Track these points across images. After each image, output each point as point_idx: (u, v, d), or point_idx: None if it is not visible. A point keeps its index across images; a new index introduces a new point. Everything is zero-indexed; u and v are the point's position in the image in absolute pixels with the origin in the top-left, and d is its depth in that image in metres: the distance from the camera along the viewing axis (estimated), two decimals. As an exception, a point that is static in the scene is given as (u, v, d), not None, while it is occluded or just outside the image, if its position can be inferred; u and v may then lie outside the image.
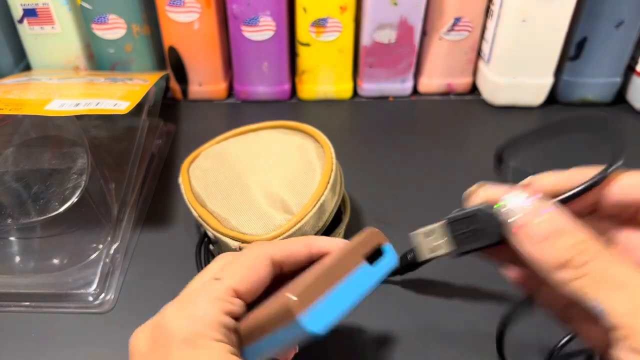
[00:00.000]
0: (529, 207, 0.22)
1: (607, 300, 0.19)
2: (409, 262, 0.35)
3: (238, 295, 0.24)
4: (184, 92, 0.59)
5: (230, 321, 0.24)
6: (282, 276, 0.27)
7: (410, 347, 0.34)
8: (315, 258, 0.27)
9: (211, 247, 0.38)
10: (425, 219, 0.27)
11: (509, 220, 0.22)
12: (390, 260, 0.25)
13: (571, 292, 0.20)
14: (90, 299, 0.37)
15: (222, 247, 0.36)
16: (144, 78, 0.51)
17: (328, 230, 0.37)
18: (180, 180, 0.40)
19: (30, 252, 0.40)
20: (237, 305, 0.24)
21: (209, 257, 0.39)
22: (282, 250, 0.27)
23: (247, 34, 0.54)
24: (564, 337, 0.32)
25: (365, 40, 0.56)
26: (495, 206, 0.23)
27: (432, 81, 0.60)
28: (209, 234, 0.36)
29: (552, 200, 0.23)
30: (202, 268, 0.31)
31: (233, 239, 0.35)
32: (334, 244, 0.28)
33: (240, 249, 0.34)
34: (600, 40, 0.54)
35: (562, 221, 0.21)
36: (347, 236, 0.42)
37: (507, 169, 0.30)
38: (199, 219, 0.37)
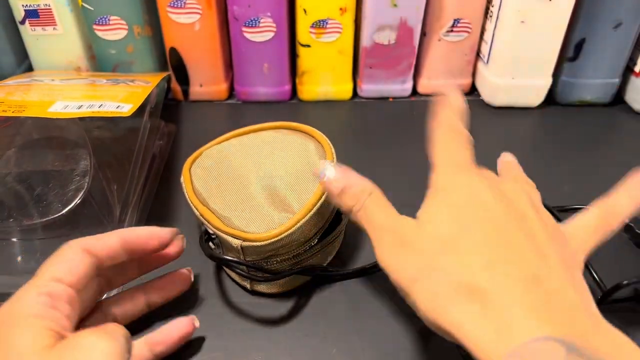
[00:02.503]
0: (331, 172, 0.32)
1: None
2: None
3: (58, 280, 0.27)
4: (185, 93, 0.59)
5: (48, 300, 0.26)
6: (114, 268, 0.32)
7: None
8: (132, 248, 0.31)
9: (211, 244, 0.38)
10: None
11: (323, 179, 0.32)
12: None
13: (356, 223, 0.31)
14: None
15: (223, 245, 0.37)
16: (146, 79, 0.51)
17: (328, 230, 0.38)
18: (182, 179, 0.40)
19: (32, 254, 0.40)
20: (58, 287, 0.27)
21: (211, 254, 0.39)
22: (93, 238, 0.30)
23: (247, 35, 0.55)
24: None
25: (365, 42, 0.56)
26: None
27: (431, 82, 0.60)
28: (210, 231, 0.37)
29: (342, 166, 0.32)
30: None
31: (234, 237, 0.35)
32: (148, 233, 0.32)
33: (242, 247, 0.34)
34: (598, 41, 0.55)
35: (345, 180, 0.31)
36: (346, 235, 0.42)
37: None
38: (201, 218, 0.37)
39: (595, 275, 0.38)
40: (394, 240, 0.28)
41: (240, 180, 0.38)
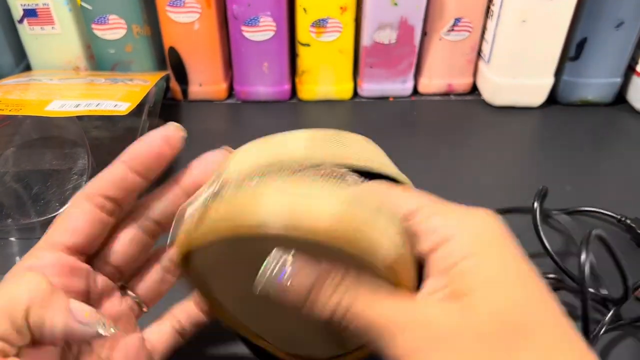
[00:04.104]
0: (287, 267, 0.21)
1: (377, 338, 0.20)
2: None
3: (69, 249, 0.23)
4: (184, 92, 0.59)
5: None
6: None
7: None
8: (137, 169, 0.25)
9: None
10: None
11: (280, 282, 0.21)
12: None
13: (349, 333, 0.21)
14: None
15: None
16: (145, 79, 0.51)
17: None
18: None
19: (31, 253, 0.40)
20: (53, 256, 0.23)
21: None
22: (94, 180, 0.24)
23: (247, 35, 0.55)
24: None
25: (365, 41, 0.56)
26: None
27: (432, 81, 0.60)
28: None
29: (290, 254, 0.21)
30: None
31: None
32: (155, 142, 0.26)
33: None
34: (600, 40, 0.54)
35: (313, 271, 0.21)
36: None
37: None
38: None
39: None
40: (424, 337, 0.19)
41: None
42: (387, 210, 0.22)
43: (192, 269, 0.25)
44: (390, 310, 0.20)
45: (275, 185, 0.22)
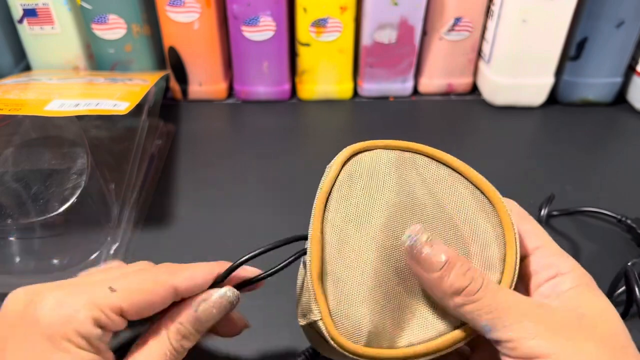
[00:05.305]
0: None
1: (497, 321, 0.22)
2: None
3: (123, 313, 0.23)
4: (184, 92, 0.59)
5: (101, 333, 0.23)
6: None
7: None
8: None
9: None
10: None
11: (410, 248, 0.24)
12: None
13: (462, 314, 0.23)
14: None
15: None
16: (144, 78, 0.51)
17: None
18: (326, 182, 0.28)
19: (30, 253, 0.40)
20: (116, 323, 0.23)
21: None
22: (187, 280, 0.25)
23: (247, 34, 0.54)
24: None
25: (365, 40, 0.56)
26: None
27: (432, 81, 0.60)
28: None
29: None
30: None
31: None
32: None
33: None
34: (600, 40, 0.54)
35: (450, 251, 0.24)
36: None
37: None
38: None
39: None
40: (549, 324, 0.22)
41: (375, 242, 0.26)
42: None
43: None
44: (514, 300, 0.23)
45: None
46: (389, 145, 0.29)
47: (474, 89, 0.61)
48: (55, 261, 0.39)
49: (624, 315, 0.33)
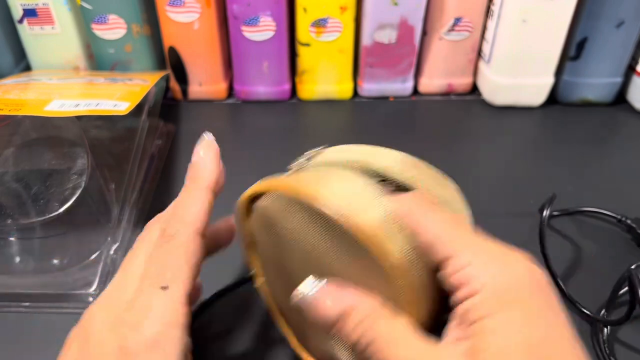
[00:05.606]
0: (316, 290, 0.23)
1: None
2: None
3: (188, 300, 0.23)
4: (184, 92, 0.59)
5: (188, 340, 0.22)
6: None
7: None
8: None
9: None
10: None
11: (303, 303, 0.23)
12: None
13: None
14: (91, 299, 0.37)
15: None
16: (144, 78, 0.51)
17: None
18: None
19: (30, 253, 0.40)
20: (188, 316, 0.23)
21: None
22: (201, 212, 0.28)
23: (247, 34, 0.54)
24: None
25: (365, 40, 0.56)
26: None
27: (432, 81, 0.60)
28: None
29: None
30: None
31: None
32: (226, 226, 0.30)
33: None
34: (600, 40, 0.54)
35: (345, 299, 0.22)
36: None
37: None
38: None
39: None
40: None
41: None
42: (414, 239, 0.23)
43: (250, 217, 0.30)
44: (411, 353, 0.20)
45: (349, 178, 0.25)
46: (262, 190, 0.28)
47: (474, 89, 0.61)
48: (55, 261, 0.39)
49: (626, 318, 0.33)
